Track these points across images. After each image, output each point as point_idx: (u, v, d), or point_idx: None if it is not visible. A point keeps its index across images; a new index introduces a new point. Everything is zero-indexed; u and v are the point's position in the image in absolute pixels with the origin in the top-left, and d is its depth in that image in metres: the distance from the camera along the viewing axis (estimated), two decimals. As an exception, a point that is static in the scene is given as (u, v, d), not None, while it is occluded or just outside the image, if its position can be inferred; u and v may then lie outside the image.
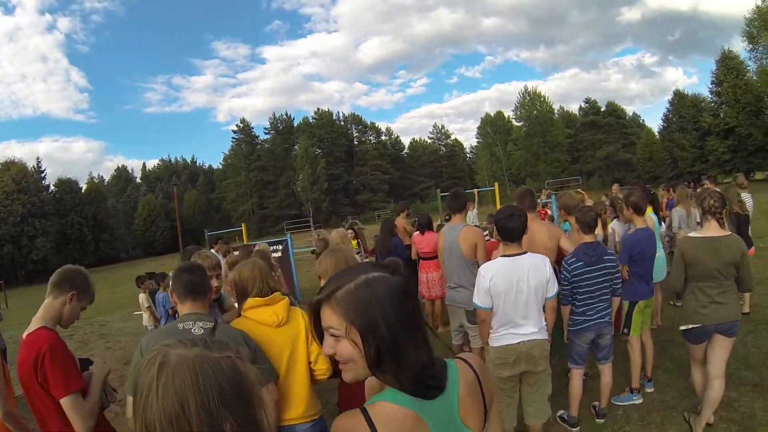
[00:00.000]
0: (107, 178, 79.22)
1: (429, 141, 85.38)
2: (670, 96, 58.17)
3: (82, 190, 62.23)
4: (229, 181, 72.53)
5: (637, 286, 4.63)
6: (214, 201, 75.55)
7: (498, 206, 15.56)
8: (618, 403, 4.55)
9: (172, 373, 0.93)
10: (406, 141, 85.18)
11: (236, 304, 3.06)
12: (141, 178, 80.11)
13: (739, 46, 44.69)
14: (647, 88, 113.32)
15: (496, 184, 16.70)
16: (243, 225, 17.73)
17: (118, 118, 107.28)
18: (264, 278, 2.88)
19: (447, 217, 8.34)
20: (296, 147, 71.59)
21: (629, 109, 76.41)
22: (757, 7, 30.37)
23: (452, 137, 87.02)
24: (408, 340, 1.19)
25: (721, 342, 3.81)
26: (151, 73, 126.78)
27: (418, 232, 7.50)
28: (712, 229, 3.77)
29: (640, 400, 4.57)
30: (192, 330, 2.40)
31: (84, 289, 2.68)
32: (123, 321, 13.32)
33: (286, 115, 76.70)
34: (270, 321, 2.76)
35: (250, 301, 2.80)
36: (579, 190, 16.10)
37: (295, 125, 75.93)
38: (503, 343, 3.54)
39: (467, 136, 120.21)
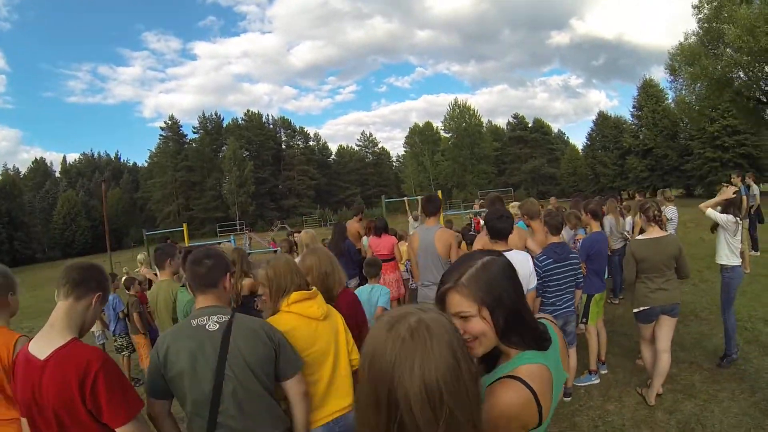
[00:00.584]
0: (23, 170, 74.29)
1: (356, 148, 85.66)
2: (594, 116, 61.55)
3: (-5, 182, 57.17)
4: (154, 180, 69.86)
5: (593, 281, 5.37)
6: (138, 200, 72.55)
7: (441, 211, 16.06)
8: (579, 384, 5.21)
9: (438, 333, 1.06)
10: (332, 147, 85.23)
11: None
12: (61, 173, 75.55)
13: (658, 76, 47.66)
14: (571, 107, 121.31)
15: (440, 192, 17.24)
16: (184, 225, 17.35)
17: (38, 105, 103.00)
18: (299, 272, 2.87)
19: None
20: (224, 148, 70.24)
21: (554, 126, 79.43)
22: (680, 43, 32.04)
23: (379, 145, 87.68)
24: (524, 307, 1.45)
25: (666, 321, 4.70)
26: (75, 59, 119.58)
27: (374, 235, 7.56)
28: (655, 232, 4.69)
29: (598, 380, 5.31)
30: (207, 326, 2.26)
31: (107, 290, 2.33)
32: (53, 328, 12.43)
33: (216, 114, 75.33)
34: (316, 314, 2.76)
35: (295, 295, 2.73)
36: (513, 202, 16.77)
37: (224, 126, 74.49)
38: None
39: (393, 145, 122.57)
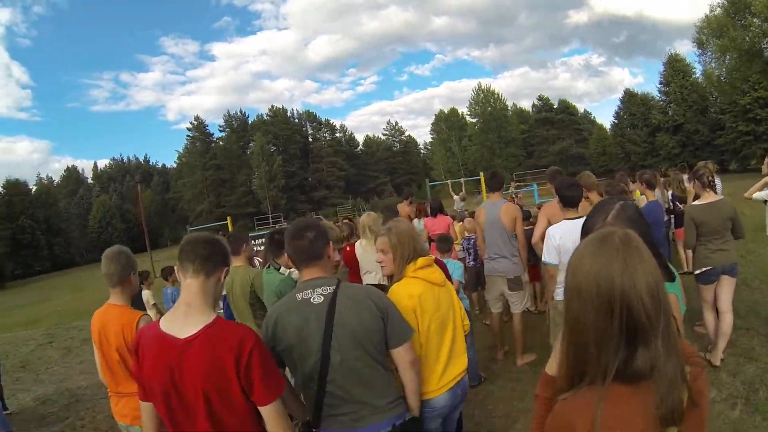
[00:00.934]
0: (56, 179, 75.87)
1: (383, 138, 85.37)
2: (620, 95, 60.68)
3: (32, 192, 58.79)
4: (184, 180, 70.18)
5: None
6: (169, 201, 73.44)
7: (485, 195, 16.24)
8: None
9: (641, 241, 1.26)
10: (358, 138, 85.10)
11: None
12: (93, 179, 77.32)
13: (683, 50, 47.01)
14: (594, 86, 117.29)
15: (482, 174, 17.52)
16: (228, 218, 17.79)
17: (64, 116, 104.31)
18: (418, 238, 2.92)
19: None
20: (251, 145, 70.42)
21: (580, 107, 78.15)
22: (706, 15, 32.21)
23: (406, 134, 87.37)
24: (655, 241, 1.67)
25: (726, 281, 4.90)
26: (96, 69, 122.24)
27: (429, 216, 7.73)
28: (711, 197, 4.91)
29: None
30: (311, 299, 2.26)
31: (229, 263, 2.23)
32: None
33: (241, 112, 75.23)
34: (438, 280, 2.84)
35: (421, 261, 2.79)
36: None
37: (250, 123, 74.59)
38: None
39: (418, 133, 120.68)
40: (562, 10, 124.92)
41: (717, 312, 4.95)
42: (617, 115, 59.85)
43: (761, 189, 5.58)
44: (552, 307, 4.38)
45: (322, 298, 2.26)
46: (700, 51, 34.40)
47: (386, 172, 79.67)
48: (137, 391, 2.07)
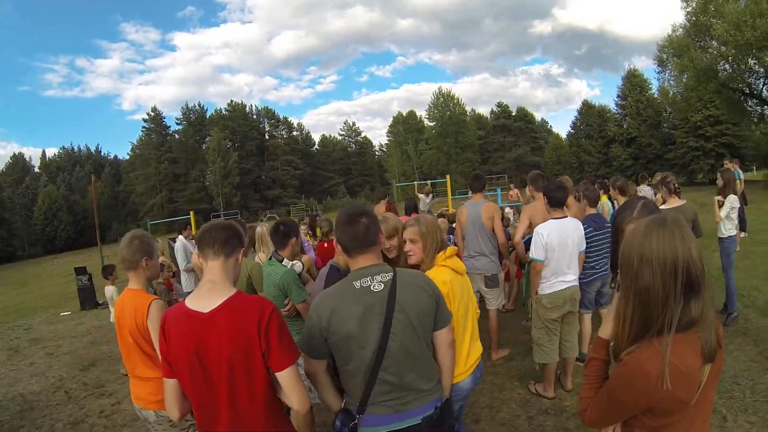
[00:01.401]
0: (1, 167, 72.24)
1: (339, 138, 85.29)
2: (578, 105, 62.87)
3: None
4: (137, 173, 68.02)
5: None
6: (120, 194, 70.97)
7: (450, 197, 16.47)
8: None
9: (686, 225, 1.60)
10: (314, 137, 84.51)
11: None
12: (40, 168, 73.56)
13: (641, 66, 48.81)
14: (553, 96, 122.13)
15: (448, 177, 17.59)
16: (191, 213, 17.31)
17: (14, 100, 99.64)
18: (441, 230, 3.08)
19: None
20: (208, 139, 69.31)
21: (537, 116, 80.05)
22: (669, 35, 33.61)
23: (362, 135, 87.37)
24: None
25: None
26: (51, 52, 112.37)
27: (404, 215, 7.64)
28: (676, 201, 5.42)
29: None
30: (371, 287, 2.21)
31: (245, 245, 2.37)
32: (50, 323, 11.86)
33: (199, 105, 73.86)
34: (461, 269, 3.01)
35: (450, 250, 2.98)
36: (511, 185, 17.02)
37: (208, 117, 73.39)
38: (555, 289, 4.49)
39: (374, 134, 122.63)
40: (527, 19, 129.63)
41: None
42: (574, 126, 62.32)
43: (720, 208, 6.33)
44: (536, 301, 4.61)
45: (382, 285, 2.22)
46: (660, 68, 35.72)
47: (341, 173, 79.67)
48: (163, 369, 2.15)
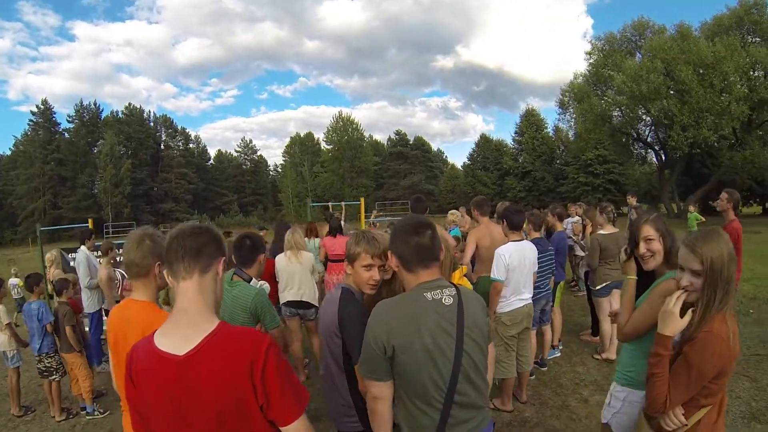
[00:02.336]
0: None
1: (235, 154, 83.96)
2: (472, 138, 66.93)
3: None
4: (19, 171, 62.01)
5: (559, 271, 6.57)
6: (-4, 193, 64.16)
7: (363, 220, 16.90)
8: (548, 357, 6.39)
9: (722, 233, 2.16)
10: (209, 152, 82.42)
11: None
12: None
13: (535, 106, 54.75)
14: (449, 128, 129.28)
15: (362, 199, 18.07)
16: (90, 221, 16.69)
17: None
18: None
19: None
20: (101, 143, 64.94)
21: (433, 145, 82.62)
22: (571, 82, 38.57)
23: (258, 153, 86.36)
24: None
25: (616, 293, 6.38)
26: None
27: (328, 236, 7.75)
28: (611, 228, 6.36)
29: (560, 354, 6.68)
30: (443, 299, 2.08)
31: (225, 251, 1.80)
32: None
33: (94, 104, 69.11)
34: (469, 287, 3.15)
35: (462, 269, 3.20)
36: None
37: (102, 118, 68.62)
38: (513, 307, 4.86)
39: (268, 154, 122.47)
40: (431, 53, 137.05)
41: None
42: (470, 157, 66.32)
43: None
44: (495, 320, 4.86)
45: (452, 299, 2.10)
46: (562, 110, 41.00)
47: (234, 190, 78.01)
48: (132, 421, 1.70)
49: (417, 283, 2.13)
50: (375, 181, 72.88)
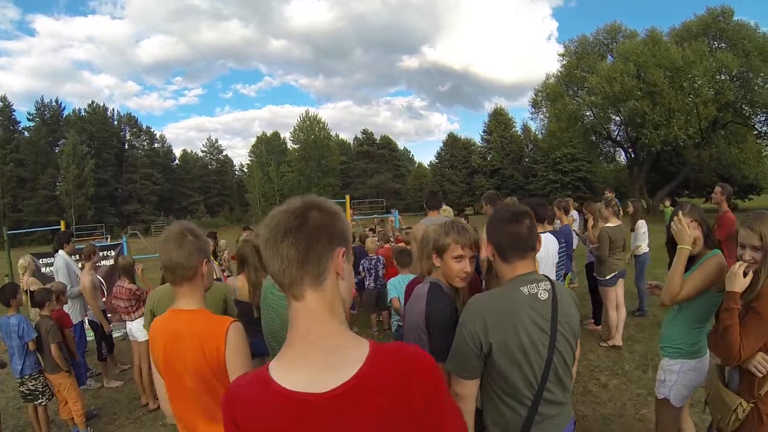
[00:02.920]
0: None
1: (201, 154, 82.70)
2: (436, 137, 68.33)
3: None
4: None
5: (567, 263, 6.48)
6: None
7: (349, 215, 16.37)
8: None
9: None
10: (175, 152, 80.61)
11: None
12: None
13: (503, 104, 57.62)
14: (413, 127, 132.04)
15: (347, 197, 17.41)
16: (62, 222, 16.10)
17: None
18: None
19: None
20: (62, 143, 62.71)
21: (399, 144, 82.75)
22: (545, 82, 40.42)
23: (224, 153, 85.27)
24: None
25: (621, 282, 6.78)
26: None
27: None
28: (617, 221, 6.76)
29: None
30: (538, 294, 2.00)
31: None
32: None
33: (56, 102, 66.62)
34: None
35: None
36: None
37: (64, 117, 66.47)
38: None
39: (233, 154, 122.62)
40: (396, 53, 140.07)
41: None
42: (438, 156, 66.67)
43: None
44: None
45: (547, 294, 2.02)
46: (534, 110, 42.59)
47: (200, 191, 76.80)
48: None
49: (513, 275, 2.07)
50: (342, 180, 72.83)
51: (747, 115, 34.41)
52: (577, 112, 37.09)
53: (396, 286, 5.34)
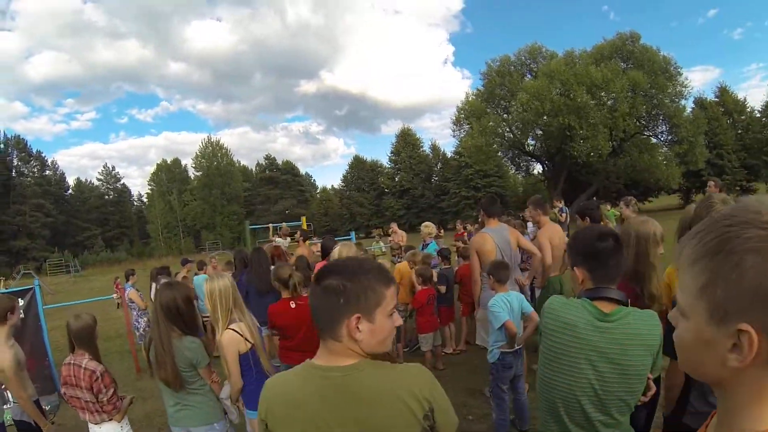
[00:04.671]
0: None
1: (96, 183, 76.36)
2: (335, 161, 69.30)
3: None
4: None
5: None
6: None
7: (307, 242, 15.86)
8: None
9: None
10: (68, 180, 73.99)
11: None
12: None
13: (396, 128, 66.90)
14: (310, 152, 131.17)
15: (303, 218, 17.79)
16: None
17: None
18: None
19: None
20: None
21: (301, 169, 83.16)
22: (468, 100, 43.29)
23: (121, 182, 79.49)
24: None
25: None
26: None
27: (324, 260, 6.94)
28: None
29: None
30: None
31: None
32: None
33: None
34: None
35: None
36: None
37: None
38: None
39: (129, 183, 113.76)
40: (295, 78, 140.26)
41: None
42: (344, 179, 66.88)
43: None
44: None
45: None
46: (456, 127, 44.75)
47: (97, 223, 71.01)
48: None
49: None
50: (246, 208, 71.23)
51: (654, 126, 39.81)
52: (497, 129, 40.42)
53: (502, 307, 4.27)
